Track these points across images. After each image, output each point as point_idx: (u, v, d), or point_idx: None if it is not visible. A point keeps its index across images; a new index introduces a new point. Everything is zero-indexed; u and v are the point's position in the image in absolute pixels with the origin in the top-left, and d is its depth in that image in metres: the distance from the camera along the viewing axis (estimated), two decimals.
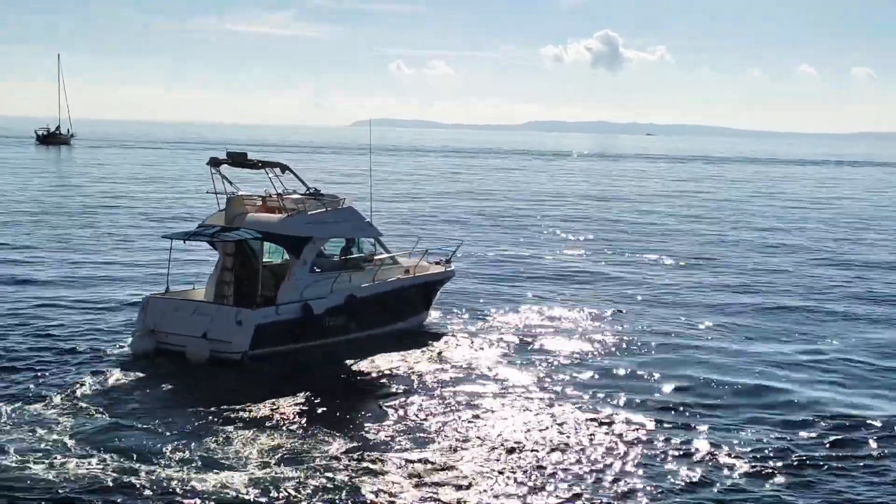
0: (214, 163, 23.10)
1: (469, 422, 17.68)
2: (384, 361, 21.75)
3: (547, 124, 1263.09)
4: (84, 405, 17.72)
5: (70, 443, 15.68)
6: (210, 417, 17.39)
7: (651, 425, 17.75)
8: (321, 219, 22.76)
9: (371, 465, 15.29)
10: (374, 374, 21.03)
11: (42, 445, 15.51)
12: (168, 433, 16.42)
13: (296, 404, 18.37)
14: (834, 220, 59.68)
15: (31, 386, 18.88)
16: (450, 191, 78.28)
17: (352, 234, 23.92)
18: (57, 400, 17.94)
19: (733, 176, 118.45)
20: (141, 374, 19.97)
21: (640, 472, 15.50)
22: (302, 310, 21.81)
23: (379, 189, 70.45)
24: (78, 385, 18.89)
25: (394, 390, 19.83)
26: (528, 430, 17.29)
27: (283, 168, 23.20)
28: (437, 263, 26.56)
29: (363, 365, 21.50)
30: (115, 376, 19.71)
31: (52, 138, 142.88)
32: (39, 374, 19.71)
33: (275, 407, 18.12)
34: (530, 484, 14.87)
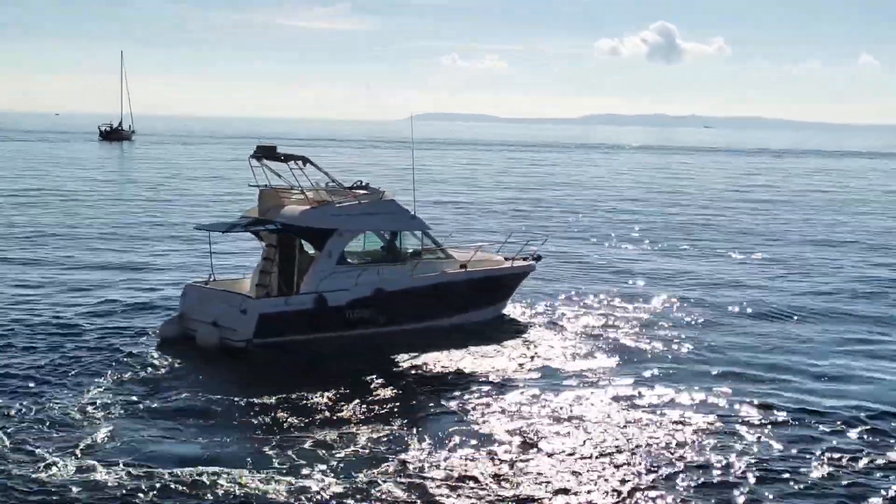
0: (256, 156, 23.63)
1: (488, 418, 17.28)
2: (408, 355, 21.34)
3: (604, 117, 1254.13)
4: (107, 394, 18.12)
5: (84, 442, 15.61)
6: (221, 408, 17.52)
7: (721, 423, 17.13)
8: (350, 211, 22.78)
9: (382, 461, 14.90)
10: (393, 368, 20.53)
11: (60, 444, 15.45)
12: (181, 428, 16.53)
13: (312, 396, 18.20)
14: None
15: (66, 370, 19.57)
16: (512, 185, 77.33)
17: (390, 226, 23.73)
18: (87, 386, 18.51)
19: (797, 170, 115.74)
20: (167, 360, 20.45)
21: (711, 472, 14.75)
22: (315, 301, 21.88)
23: (441, 184, 70.69)
24: (104, 369, 19.58)
25: (412, 385, 19.41)
26: (551, 424, 16.71)
27: (305, 161, 23.30)
28: (524, 259, 26.33)
29: (386, 358, 21.11)
30: (144, 361, 20.30)
31: (114, 134, 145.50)
32: (71, 358, 20.42)
33: (284, 399, 17.99)
34: (563, 485, 14.21)
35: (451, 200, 59.92)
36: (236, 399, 18.04)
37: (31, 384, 18.56)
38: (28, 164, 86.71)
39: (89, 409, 17.16)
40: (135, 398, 17.89)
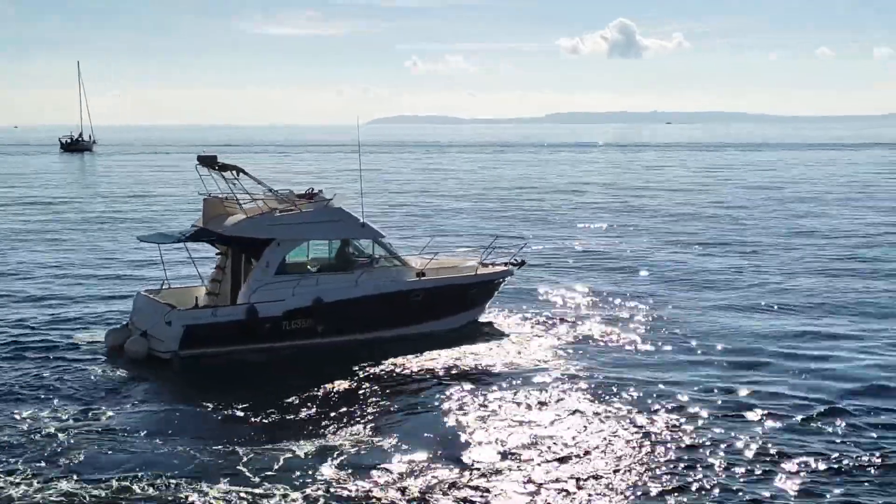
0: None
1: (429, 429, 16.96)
2: (339, 367, 20.72)
3: (568, 116, 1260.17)
4: (49, 399, 18.33)
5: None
6: (162, 419, 17.32)
7: (703, 422, 17.10)
8: (288, 220, 22.34)
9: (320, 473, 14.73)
10: (324, 379, 19.88)
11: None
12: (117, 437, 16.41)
13: (244, 407, 18.02)
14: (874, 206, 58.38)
15: (14, 382, 19.60)
16: (483, 187, 76.86)
17: (336, 235, 23.03)
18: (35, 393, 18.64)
19: (759, 163, 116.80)
20: (111, 370, 20.43)
21: (696, 473, 14.76)
22: (246, 312, 21.55)
23: (412, 189, 70.18)
24: (51, 379, 19.73)
25: (335, 396, 18.97)
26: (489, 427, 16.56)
27: (239, 171, 23.12)
28: (505, 264, 25.60)
29: (321, 369, 20.70)
30: (90, 371, 20.31)
31: (74, 145, 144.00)
32: (20, 368, 20.56)
33: (215, 410, 17.87)
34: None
35: (424, 206, 59.43)
36: (179, 410, 17.90)
37: None
38: None
39: (37, 422, 16.96)
40: (79, 409, 17.75)
